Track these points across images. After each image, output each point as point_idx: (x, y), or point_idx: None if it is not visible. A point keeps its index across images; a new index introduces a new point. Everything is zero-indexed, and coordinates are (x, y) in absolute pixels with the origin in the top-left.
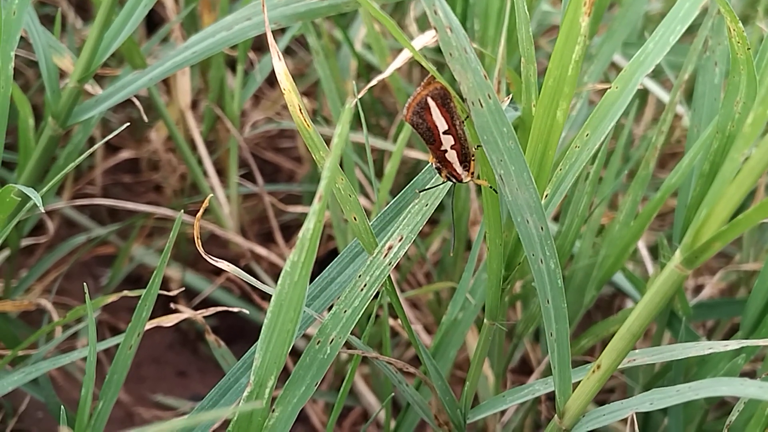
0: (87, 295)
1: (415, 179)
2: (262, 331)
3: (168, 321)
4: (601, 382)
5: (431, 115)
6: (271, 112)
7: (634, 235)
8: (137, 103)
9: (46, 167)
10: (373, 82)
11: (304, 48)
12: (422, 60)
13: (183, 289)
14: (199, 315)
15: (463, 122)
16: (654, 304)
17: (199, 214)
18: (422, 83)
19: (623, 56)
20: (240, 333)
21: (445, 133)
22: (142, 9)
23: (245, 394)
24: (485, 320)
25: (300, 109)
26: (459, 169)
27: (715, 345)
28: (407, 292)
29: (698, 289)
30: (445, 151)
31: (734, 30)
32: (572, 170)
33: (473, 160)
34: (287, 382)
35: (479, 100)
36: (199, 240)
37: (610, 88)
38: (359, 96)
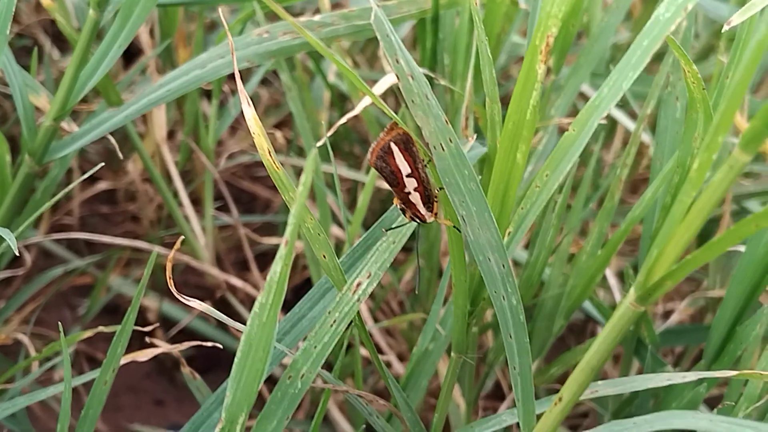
0: (62, 333)
1: (383, 217)
2: (232, 368)
3: (143, 356)
4: (563, 413)
5: (394, 159)
6: (246, 144)
7: (601, 264)
8: (112, 140)
9: (24, 200)
10: (342, 120)
11: (279, 78)
12: (384, 107)
13: (157, 325)
14: (175, 349)
15: (425, 165)
16: (611, 340)
17: (171, 254)
18: (385, 129)
19: (591, 87)
20: (216, 361)
21: (408, 176)
22: (117, 49)
23: (217, 430)
24: (452, 353)
25: (269, 153)
26: (422, 210)
27: (674, 377)
28: (381, 322)
29: (667, 314)
30: (409, 193)
31: (689, 71)
32: (534, 209)
33: (436, 201)
34: (259, 418)
35: (441, 145)
36: (173, 274)
37: (569, 128)
38: (328, 134)
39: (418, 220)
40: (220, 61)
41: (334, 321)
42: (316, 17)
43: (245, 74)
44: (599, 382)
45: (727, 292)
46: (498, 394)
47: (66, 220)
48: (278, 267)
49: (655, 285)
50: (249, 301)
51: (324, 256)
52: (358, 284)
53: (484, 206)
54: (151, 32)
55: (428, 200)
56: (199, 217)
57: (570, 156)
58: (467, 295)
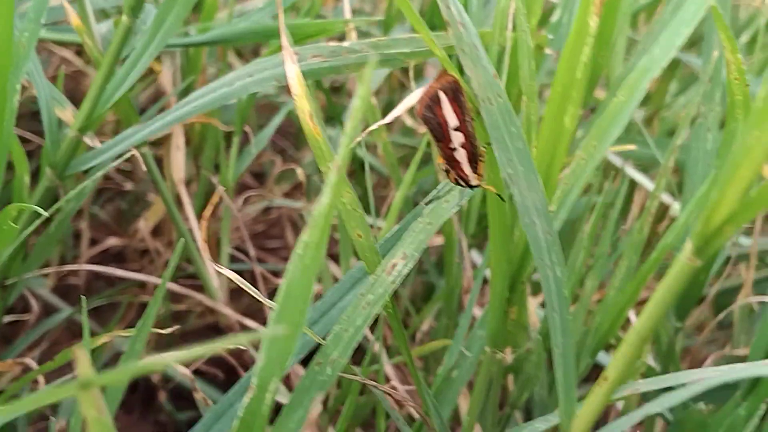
0: None
1: (425, 199)
2: (268, 322)
3: None
4: (607, 395)
5: (442, 109)
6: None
7: (629, 298)
8: (139, 156)
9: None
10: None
11: None
12: (441, 54)
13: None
14: None
15: (473, 120)
16: (665, 302)
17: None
18: (435, 77)
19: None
20: None
21: (455, 129)
22: (147, 58)
23: (246, 400)
24: (487, 347)
25: (310, 117)
26: (468, 170)
27: (716, 371)
28: (395, 358)
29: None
30: (454, 149)
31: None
32: (579, 182)
33: (482, 160)
34: (286, 406)
35: (489, 98)
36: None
37: (617, 95)
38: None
39: (463, 183)
40: (248, 79)
41: (368, 303)
42: (345, 43)
43: (265, 110)
44: (640, 381)
45: (752, 348)
46: None
47: (71, 280)
48: (326, 198)
49: (715, 231)
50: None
51: (359, 235)
52: (393, 265)
53: (531, 166)
54: (173, 77)
55: (474, 159)
56: (215, 260)
57: (618, 123)
58: (506, 277)
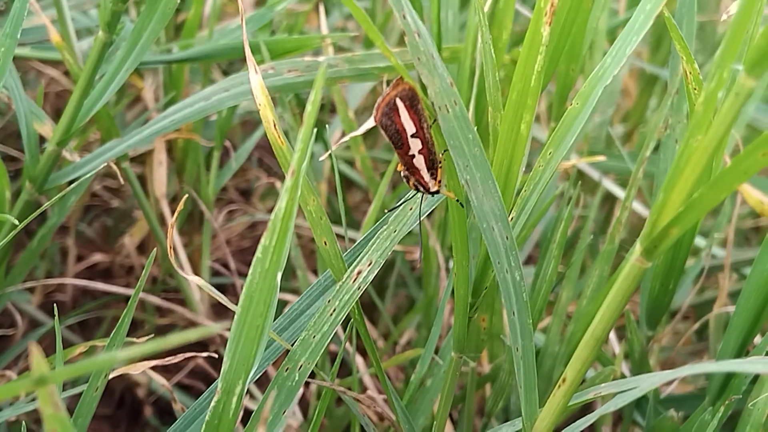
0: None
1: (387, 212)
2: (231, 328)
3: None
4: (567, 395)
5: (399, 117)
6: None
7: (602, 305)
8: (119, 171)
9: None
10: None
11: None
12: (396, 62)
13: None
14: None
15: (430, 127)
16: (617, 304)
17: None
18: (391, 84)
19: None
20: None
21: (413, 136)
22: (124, 73)
23: (212, 404)
24: (452, 353)
25: (274, 125)
26: (426, 176)
27: (681, 370)
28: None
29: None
30: (413, 156)
31: (690, 71)
32: (537, 190)
33: (440, 167)
34: (254, 413)
35: (446, 105)
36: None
37: (573, 102)
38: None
39: (423, 189)
40: (224, 94)
41: (334, 310)
42: (320, 58)
43: (250, 126)
44: (602, 385)
45: (719, 350)
46: None
47: (58, 296)
48: (283, 203)
49: (661, 233)
50: None
51: (325, 243)
52: (359, 272)
53: (488, 172)
54: (156, 93)
55: (432, 165)
56: (196, 272)
57: (574, 130)
58: (468, 283)
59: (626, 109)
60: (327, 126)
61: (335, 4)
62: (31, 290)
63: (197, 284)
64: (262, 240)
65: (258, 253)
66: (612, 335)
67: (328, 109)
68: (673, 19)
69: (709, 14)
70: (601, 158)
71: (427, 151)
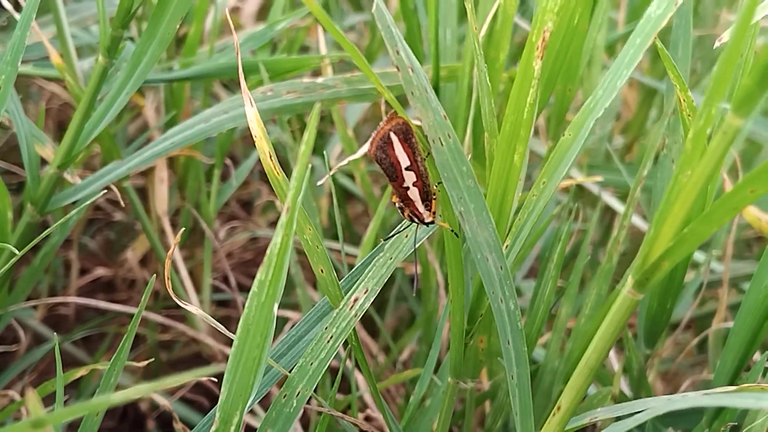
0: None
1: (383, 241)
2: (229, 360)
3: None
4: (562, 424)
5: (394, 150)
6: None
7: (599, 326)
8: (117, 191)
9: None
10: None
11: None
12: (389, 97)
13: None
14: None
15: (424, 160)
16: (609, 334)
17: None
18: (385, 118)
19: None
20: None
21: (407, 169)
22: (124, 97)
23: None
24: (449, 378)
25: (270, 157)
26: (421, 208)
27: (674, 399)
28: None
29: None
30: (407, 188)
31: (684, 98)
32: (530, 218)
33: (434, 199)
34: None
35: (440, 139)
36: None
37: (565, 133)
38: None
39: (417, 220)
40: (224, 116)
41: (331, 337)
42: (319, 79)
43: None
44: (599, 409)
45: (717, 369)
46: None
47: (62, 310)
48: (278, 238)
49: (653, 266)
50: None
51: (321, 271)
52: (355, 299)
53: (482, 204)
54: (157, 110)
55: (427, 197)
56: (197, 291)
57: (567, 161)
58: (464, 311)
59: (626, 120)
60: (325, 152)
61: (335, 19)
62: (34, 306)
63: (199, 301)
64: (258, 274)
65: (254, 287)
66: (611, 352)
67: (328, 120)
68: (670, 40)
69: (707, 29)
70: (597, 178)
71: (422, 184)
